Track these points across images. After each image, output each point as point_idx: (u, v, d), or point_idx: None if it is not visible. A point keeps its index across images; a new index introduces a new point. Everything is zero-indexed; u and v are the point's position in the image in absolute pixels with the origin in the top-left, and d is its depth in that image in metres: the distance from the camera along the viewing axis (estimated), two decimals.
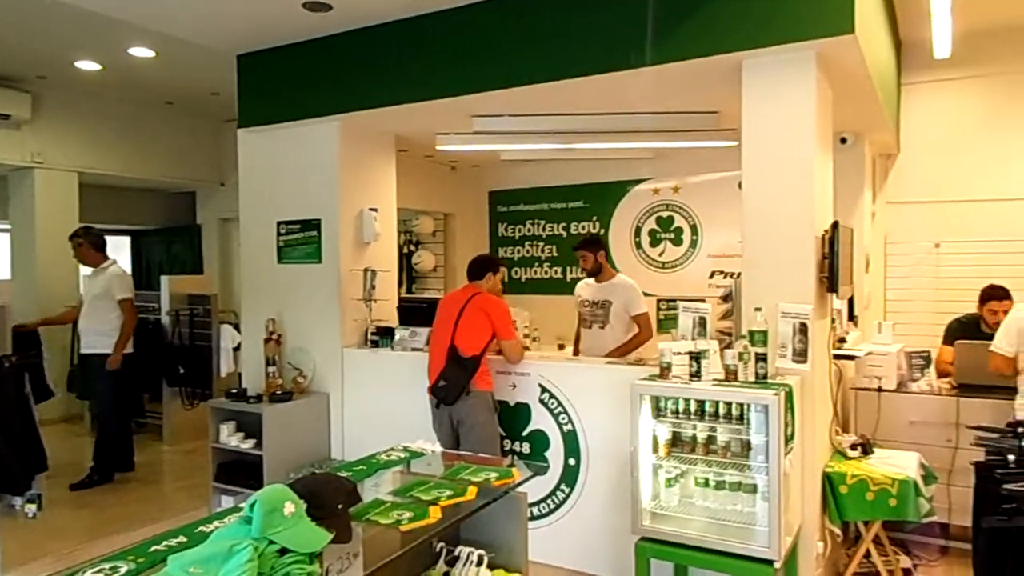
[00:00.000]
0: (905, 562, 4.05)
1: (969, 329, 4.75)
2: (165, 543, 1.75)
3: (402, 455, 2.64)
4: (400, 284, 6.99)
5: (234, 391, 4.85)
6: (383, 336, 4.90)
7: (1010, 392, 4.03)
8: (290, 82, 4.97)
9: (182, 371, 6.87)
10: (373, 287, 5.01)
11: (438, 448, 2.80)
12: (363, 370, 4.90)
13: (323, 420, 4.97)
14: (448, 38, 4.30)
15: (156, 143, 8.29)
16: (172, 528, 1.85)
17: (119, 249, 9.48)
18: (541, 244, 7.67)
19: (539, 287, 7.60)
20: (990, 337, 4.61)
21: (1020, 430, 1.75)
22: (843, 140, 5.39)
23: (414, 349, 4.67)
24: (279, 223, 5.20)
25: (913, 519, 3.46)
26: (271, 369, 4.95)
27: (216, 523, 1.85)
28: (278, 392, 4.81)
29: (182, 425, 6.91)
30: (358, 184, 5.09)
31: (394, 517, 1.99)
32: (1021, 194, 5.59)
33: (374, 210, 5.11)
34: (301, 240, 5.10)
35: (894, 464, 3.63)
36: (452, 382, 3.97)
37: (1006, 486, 1.49)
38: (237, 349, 6.08)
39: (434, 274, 7.76)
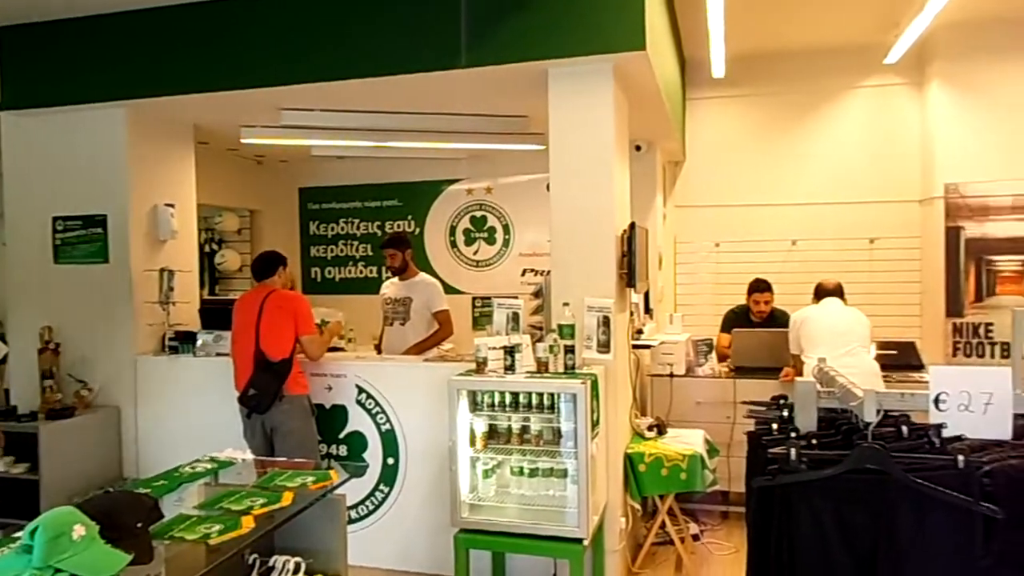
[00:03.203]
0: (694, 528, 4.51)
1: (741, 318, 5.41)
2: None
3: (209, 466, 2.49)
4: (202, 285, 6.52)
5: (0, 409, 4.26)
6: (183, 341, 4.55)
7: (776, 372, 4.70)
8: (67, 61, 4.45)
9: None
10: (171, 289, 4.63)
11: (249, 456, 2.67)
12: (161, 379, 4.52)
13: (113, 436, 4.51)
14: (255, 25, 4.09)
15: None
16: None
17: None
18: (355, 243, 7.53)
19: (354, 287, 7.45)
20: (758, 324, 5.29)
21: (782, 402, 2.03)
22: (638, 147, 5.86)
23: (219, 354, 4.39)
24: (55, 219, 4.64)
25: (700, 489, 3.88)
26: (48, 383, 4.41)
27: None
28: (57, 408, 4.29)
29: None
30: (151, 177, 4.68)
31: (201, 532, 1.87)
32: (786, 200, 6.42)
33: (170, 206, 4.73)
34: (83, 238, 4.58)
35: (684, 441, 4.03)
36: (263, 389, 3.79)
37: (771, 450, 1.72)
38: (3, 362, 5.33)
39: (240, 274, 7.32)
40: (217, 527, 1.90)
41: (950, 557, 1.60)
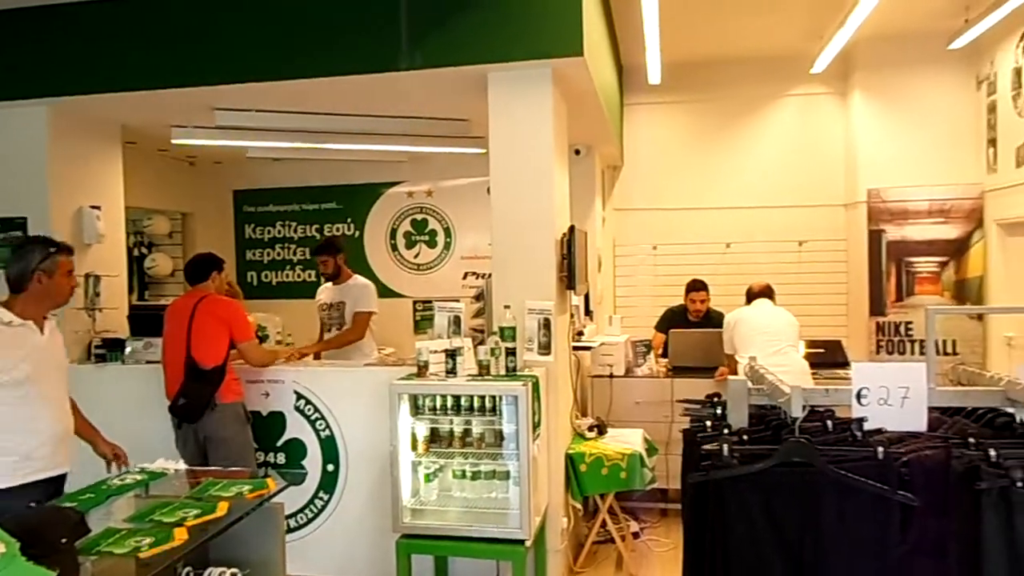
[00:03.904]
0: (634, 526, 4.59)
1: (678, 317, 5.56)
2: None
3: (139, 477, 2.41)
4: (131, 291, 6.28)
5: None
6: (111, 349, 4.37)
7: (712, 371, 4.83)
8: None
9: None
10: (97, 294, 4.45)
11: (182, 466, 2.59)
12: (86, 389, 4.29)
13: None
14: (187, 21, 3.98)
15: None
16: None
17: None
18: (293, 246, 7.39)
19: (292, 291, 7.31)
20: (695, 324, 5.44)
21: (715, 400, 2.09)
22: (577, 152, 5.94)
23: (149, 361, 4.24)
24: None
25: (639, 487, 3.96)
26: None
27: None
28: None
29: None
30: (75, 179, 4.49)
31: (131, 545, 1.81)
32: (720, 204, 6.61)
33: (96, 208, 4.54)
34: (1, 242, 4.36)
35: (624, 441, 4.10)
36: (193, 398, 3.68)
37: (704, 447, 1.78)
38: None
39: (172, 279, 7.09)
40: (148, 540, 1.84)
41: (870, 544, 1.68)
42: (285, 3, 3.90)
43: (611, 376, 5.02)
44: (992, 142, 5.62)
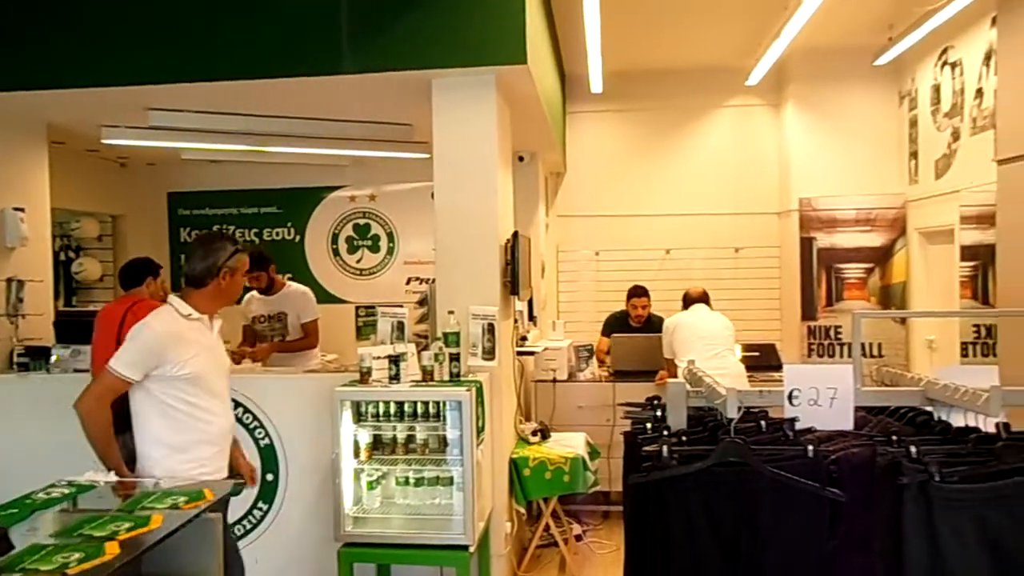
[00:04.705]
0: (577, 529, 4.64)
1: (620, 322, 5.66)
2: None
3: (67, 491, 2.30)
4: (57, 296, 6.02)
5: None
6: (35, 357, 4.18)
7: (653, 375, 4.93)
8: None
9: None
10: (20, 300, 4.25)
11: (112, 478, 2.50)
12: (8, 399, 4.13)
13: None
14: (120, 16, 3.83)
15: None
16: None
17: None
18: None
19: None
20: (637, 329, 5.55)
21: (655, 403, 2.15)
22: (520, 158, 5.98)
23: (77, 370, 4.07)
24: None
25: (582, 490, 4.01)
26: None
27: None
28: None
29: None
30: None
31: (59, 561, 1.73)
32: (660, 211, 6.75)
33: (19, 210, 4.34)
34: None
35: (567, 444, 4.15)
36: (123, 407, 3.55)
37: (645, 448, 1.82)
38: None
39: (101, 284, 6.82)
40: (76, 555, 1.76)
41: (803, 539, 1.74)
42: (223, 2, 3.81)
43: (554, 381, 5.07)
44: (914, 155, 5.91)
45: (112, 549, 1.82)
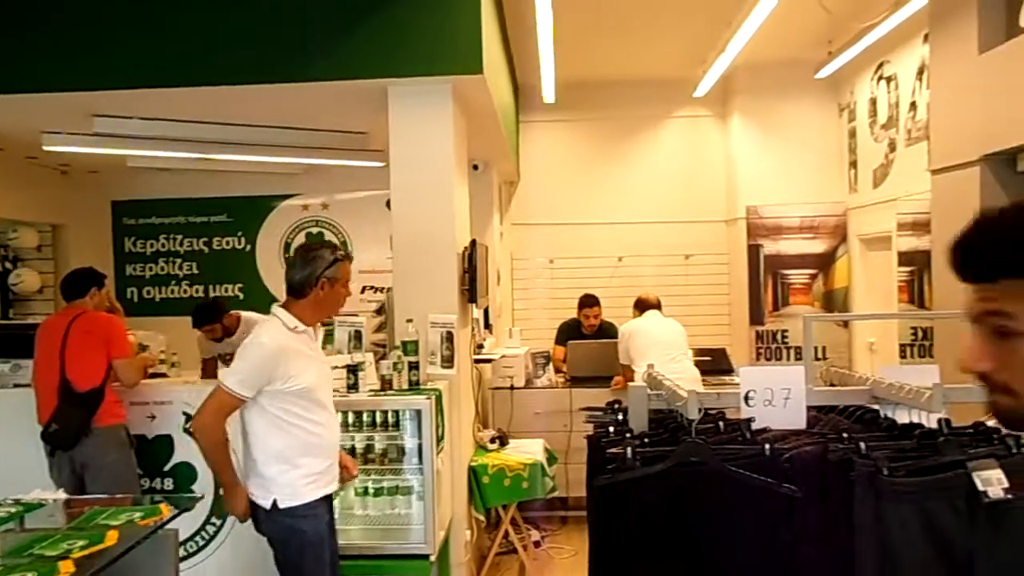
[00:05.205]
0: (535, 535, 4.67)
1: (573, 330, 5.72)
2: None
3: (13, 510, 2.23)
4: None
5: None
6: None
7: (608, 380, 5.01)
8: None
9: None
10: None
11: (61, 495, 2.42)
12: None
13: None
14: (63, 18, 3.72)
15: None
16: None
17: None
18: (179, 261, 7.02)
19: (177, 307, 6.90)
20: (589, 337, 5.61)
21: (616, 407, 2.19)
22: (475, 167, 6.00)
23: (16, 385, 3.92)
24: None
25: (541, 496, 4.03)
26: None
27: None
28: None
29: None
30: None
31: None
32: (612, 219, 6.86)
33: None
34: None
35: (525, 451, 4.17)
36: (66, 424, 3.44)
37: (609, 451, 1.86)
38: None
39: (40, 296, 6.56)
40: (30, 575, 1.71)
41: (761, 535, 1.81)
42: (171, 7, 3.74)
43: (512, 388, 5.09)
44: (853, 164, 6.16)
45: (67, 568, 1.77)
